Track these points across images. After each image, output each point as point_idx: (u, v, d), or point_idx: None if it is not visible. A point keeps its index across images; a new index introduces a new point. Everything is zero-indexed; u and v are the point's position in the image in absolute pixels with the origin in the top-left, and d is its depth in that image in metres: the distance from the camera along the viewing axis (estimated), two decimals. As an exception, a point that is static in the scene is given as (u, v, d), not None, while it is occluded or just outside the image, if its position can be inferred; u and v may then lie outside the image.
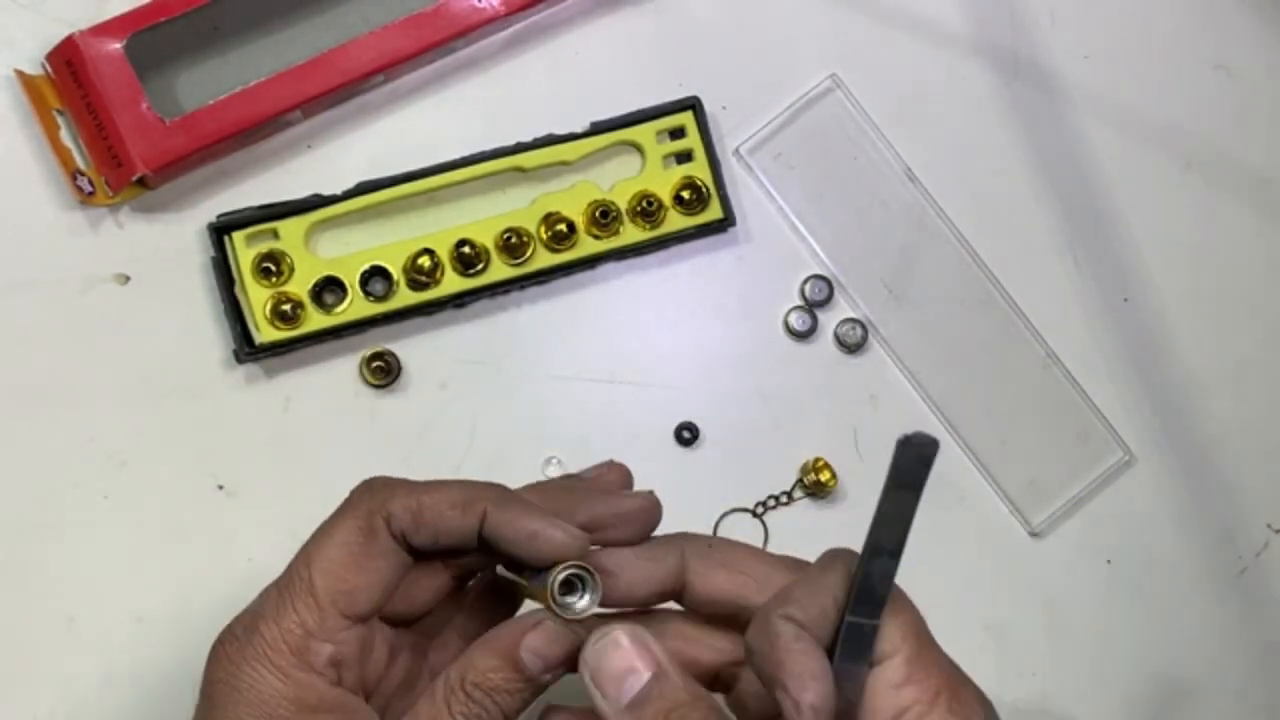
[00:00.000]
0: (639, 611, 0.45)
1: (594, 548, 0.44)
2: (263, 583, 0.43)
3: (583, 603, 0.42)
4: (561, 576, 0.41)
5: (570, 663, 0.41)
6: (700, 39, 0.62)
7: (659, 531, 0.46)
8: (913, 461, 0.39)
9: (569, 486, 0.46)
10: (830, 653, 0.39)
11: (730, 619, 0.44)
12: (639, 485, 0.59)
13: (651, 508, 0.45)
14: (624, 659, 0.39)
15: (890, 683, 0.39)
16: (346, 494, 0.43)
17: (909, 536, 0.39)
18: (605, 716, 0.39)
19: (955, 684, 0.40)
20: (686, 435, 0.60)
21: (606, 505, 0.44)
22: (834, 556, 0.41)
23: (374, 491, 0.42)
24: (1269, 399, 0.65)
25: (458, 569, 0.45)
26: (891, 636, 0.40)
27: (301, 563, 0.41)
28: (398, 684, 0.45)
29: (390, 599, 0.43)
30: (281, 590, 0.41)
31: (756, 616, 0.40)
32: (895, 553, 0.39)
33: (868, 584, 0.39)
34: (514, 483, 0.58)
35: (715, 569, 0.44)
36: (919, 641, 0.40)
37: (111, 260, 0.57)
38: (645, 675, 0.39)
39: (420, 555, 0.43)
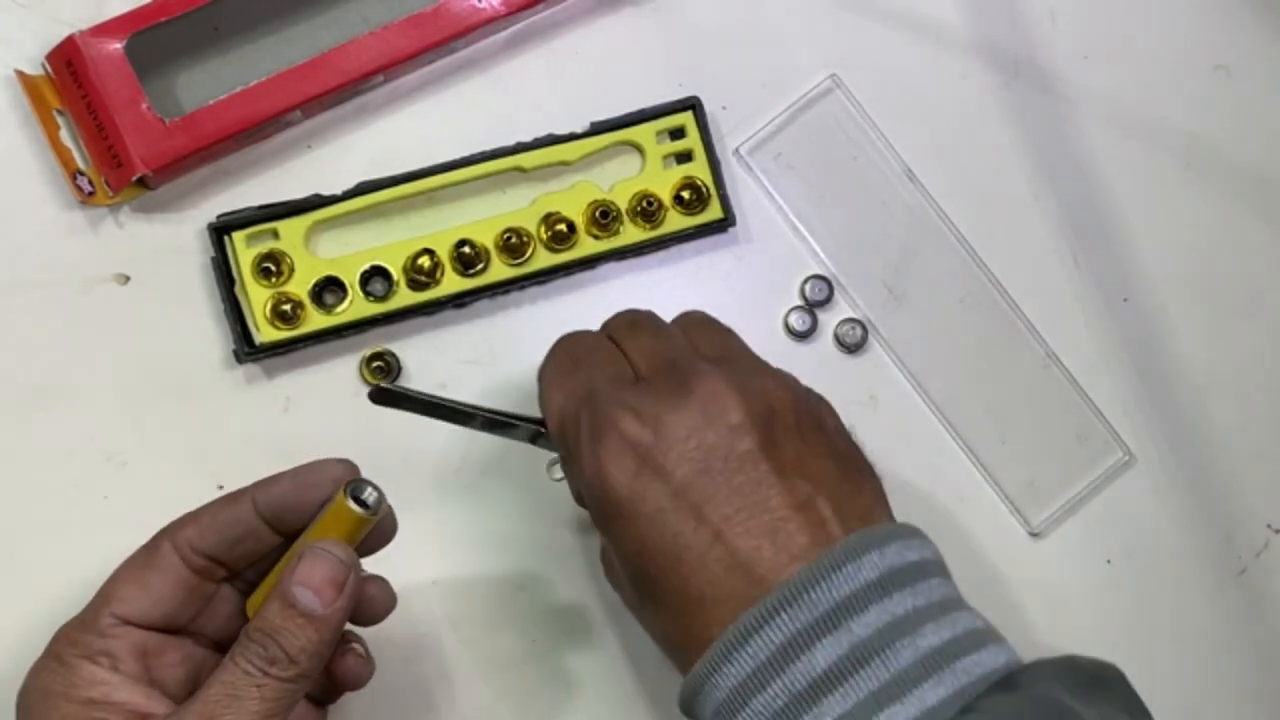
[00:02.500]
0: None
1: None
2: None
3: (375, 495, 0.46)
4: (350, 488, 0.45)
5: (340, 587, 0.45)
6: (700, 39, 0.62)
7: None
8: None
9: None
10: None
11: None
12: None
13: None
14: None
15: None
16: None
17: None
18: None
19: None
20: (686, 435, 0.60)
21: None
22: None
23: (169, 524, 0.48)
24: (1269, 399, 0.65)
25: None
26: None
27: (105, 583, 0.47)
28: None
29: (176, 611, 0.47)
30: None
31: None
32: None
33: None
34: (513, 482, 0.59)
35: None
36: None
37: (111, 260, 0.57)
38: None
39: (229, 569, 0.48)
